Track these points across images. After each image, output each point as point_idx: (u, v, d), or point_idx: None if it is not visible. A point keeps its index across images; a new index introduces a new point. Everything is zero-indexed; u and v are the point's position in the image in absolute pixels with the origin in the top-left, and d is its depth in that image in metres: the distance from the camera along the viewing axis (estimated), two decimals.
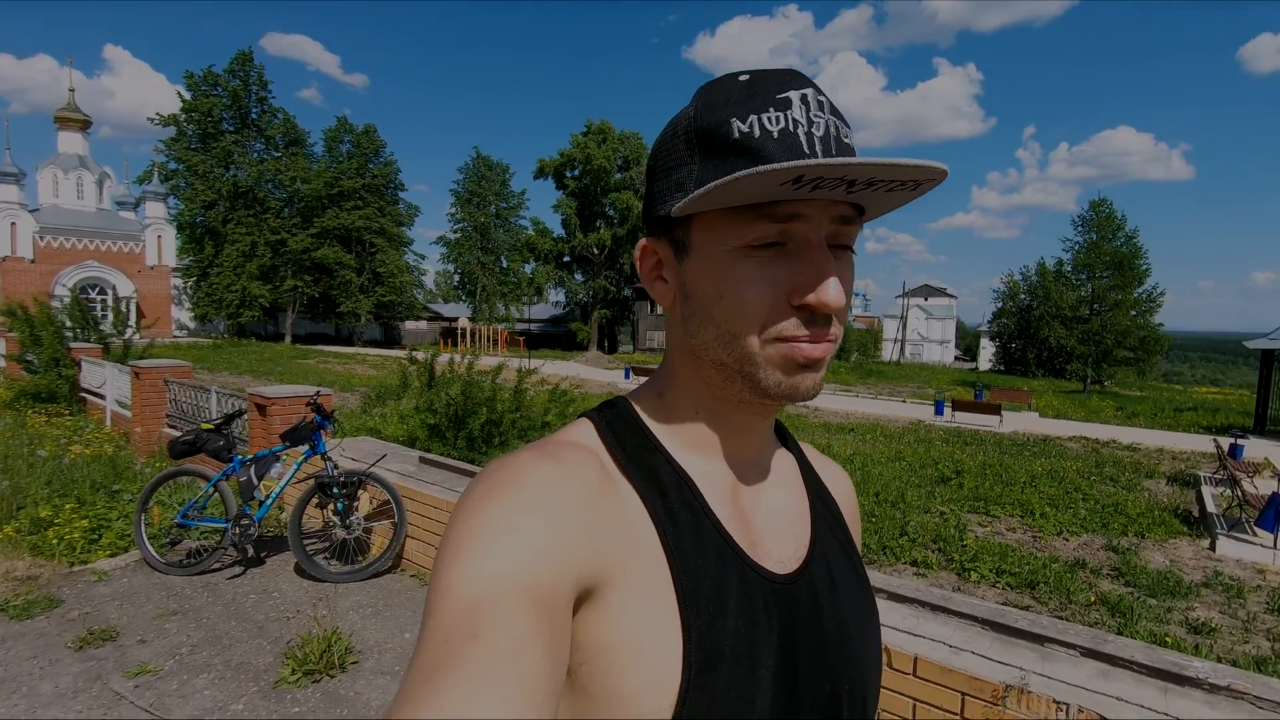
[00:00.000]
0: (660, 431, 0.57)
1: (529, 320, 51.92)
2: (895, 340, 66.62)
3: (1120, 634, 3.72)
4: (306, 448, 4.28)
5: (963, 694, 2.13)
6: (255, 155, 42.01)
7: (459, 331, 44.23)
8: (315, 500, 4.23)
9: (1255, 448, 15.26)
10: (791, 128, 0.48)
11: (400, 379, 7.76)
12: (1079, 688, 2.03)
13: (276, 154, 43.06)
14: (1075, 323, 35.67)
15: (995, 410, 18.08)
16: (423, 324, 58.04)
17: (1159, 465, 13.30)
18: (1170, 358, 65.13)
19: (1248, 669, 4.49)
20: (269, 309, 42.86)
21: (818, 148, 0.48)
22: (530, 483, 0.47)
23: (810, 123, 0.49)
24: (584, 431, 0.56)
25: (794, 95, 0.49)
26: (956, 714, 2.14)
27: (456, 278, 59.12)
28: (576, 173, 51.84)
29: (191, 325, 43.69)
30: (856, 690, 0.57)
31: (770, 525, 0.58)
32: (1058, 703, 1.98)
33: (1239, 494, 9.18)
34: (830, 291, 0.49)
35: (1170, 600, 6.31)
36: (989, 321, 52.70)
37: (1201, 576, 7.02)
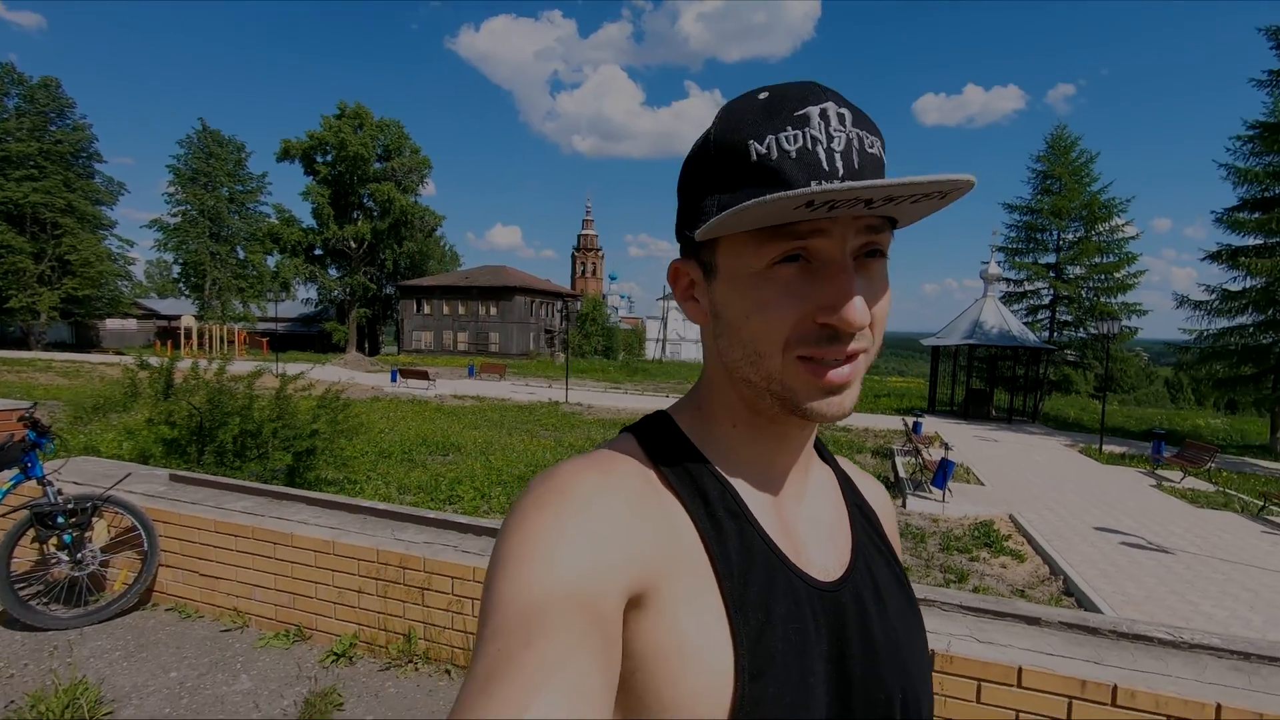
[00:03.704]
0: (701, 443, 0.57)
1: (274, 319, 46.32)
2: (657, 340, 71.50)
3: None
4: (15, 472, 3.53)
5: None
6: None
7: (182, 332, 37.97)
8: (31, 534, 3.50)
9: (930, 424, 19.27)
10: (810, 145, 0.48)
11: (127, 387, 6.58)
12: None
13: None
14: None
15: None
16: (131, 323, 48.83)
17: (866, 442, 16.18)
18: None
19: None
20: None
21: (838, 164, 0.48)
22: (577, 493, 0.48)
23: (830, 138, 0.48)
24: (627, 444, 0.57)
25: (813, 110, 0.49)
26: None
27: (177, 269, 50.56)
28: (329, 158, 47.55)
29: None
30: (910, 697, 0.56)
31: (812, 534, 0.59)
32: None
33: (920, 461, 11.63)
34: (853, 312, 0.49)
35: (921, 574, 7.80)
36: None
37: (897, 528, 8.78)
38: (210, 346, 35.66)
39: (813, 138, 0.48)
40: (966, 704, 2.14)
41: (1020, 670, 2.08)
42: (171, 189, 46.79)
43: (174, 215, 46.94)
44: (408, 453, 11.64)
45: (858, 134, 0.49)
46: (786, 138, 0.48)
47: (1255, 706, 1.89)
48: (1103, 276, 27.16)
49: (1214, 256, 20.21)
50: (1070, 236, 27.69)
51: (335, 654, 3.19)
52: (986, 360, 26.15)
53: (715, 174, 0.51)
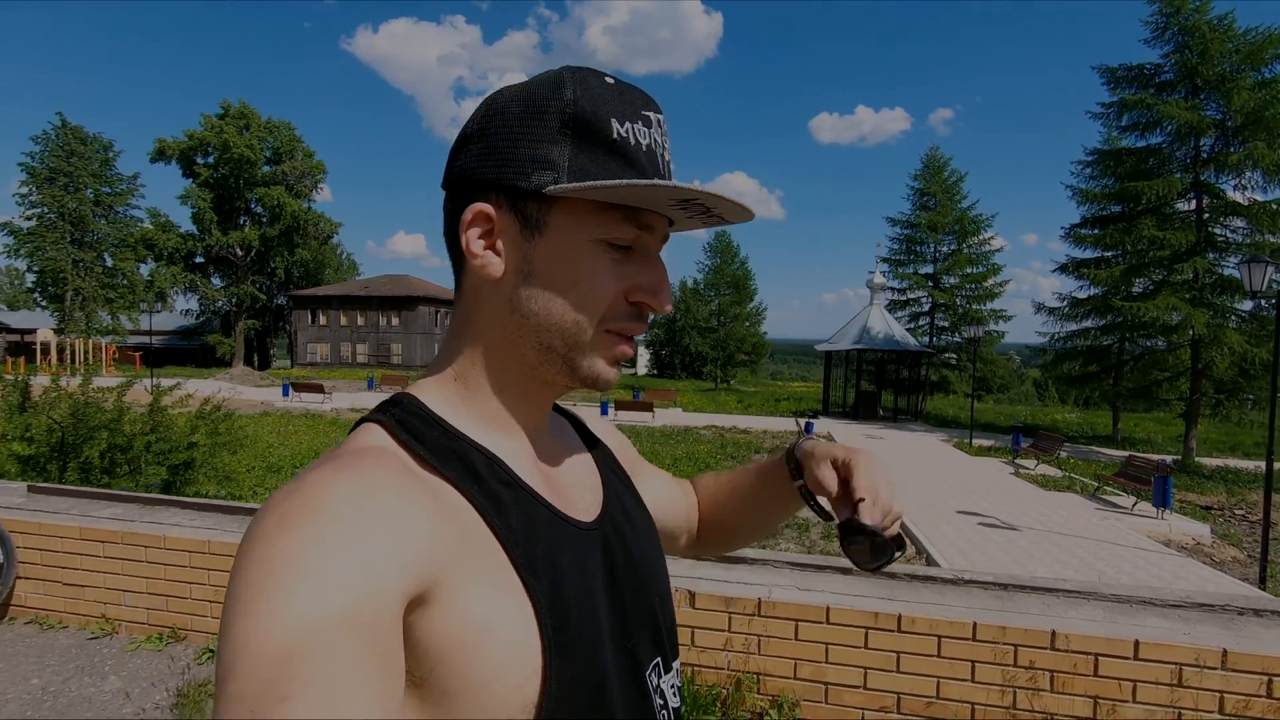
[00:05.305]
0: (456, 417, 0.55)
1: (148, 332, 42.74)
2: None
3: None
4: None
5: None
6: None
7: (38, 346, 34.52)
8: None
9: (823, 425, 20.44)
10: (653, 146, 0.53)
11: None
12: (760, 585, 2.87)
13: None
14: (708, 332, 42.96)
15: (649, 408, 20.99)
16: None
17: (764, 443, 16.98)
18: (774, 360, 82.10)
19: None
20: None
21: (666, 171, 0.54)
22: (331, 504, 0.41)
23: (663, 146, 0.55)
24: (375, 435, 0.52)
25: (653, 116, 0.54)
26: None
27: (31, 278, 45.89)
28: (211, 160, 44.70)
29: None
30: (663, 597, 0.64)
31: (570, 481, 0.62)
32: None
33: None
34: (667, 296, 0.56)
35: (768, 540, 8.33)
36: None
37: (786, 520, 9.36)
38: (73, 362, 32.61)
39: (655, 140, 0.54)
40: (787, 642, 2.49)
41: (828, 609, 2.46)
42: (25, 189, 42.52)
43: (27, 218, 42.60)
44: (300, 466, 11.26)
45: (670, 149, 0.57)
46: (638, 130, 0.52)
47: (1003, 622, 2.34)
48: (973, 286, 29.68)
49: (1062, 268, 22.55)
50: (945, 249, 30.10)
51: (212, 650, 3.21)
52: (875, 364, 27.94)
53: (571, 133, 0.51)
